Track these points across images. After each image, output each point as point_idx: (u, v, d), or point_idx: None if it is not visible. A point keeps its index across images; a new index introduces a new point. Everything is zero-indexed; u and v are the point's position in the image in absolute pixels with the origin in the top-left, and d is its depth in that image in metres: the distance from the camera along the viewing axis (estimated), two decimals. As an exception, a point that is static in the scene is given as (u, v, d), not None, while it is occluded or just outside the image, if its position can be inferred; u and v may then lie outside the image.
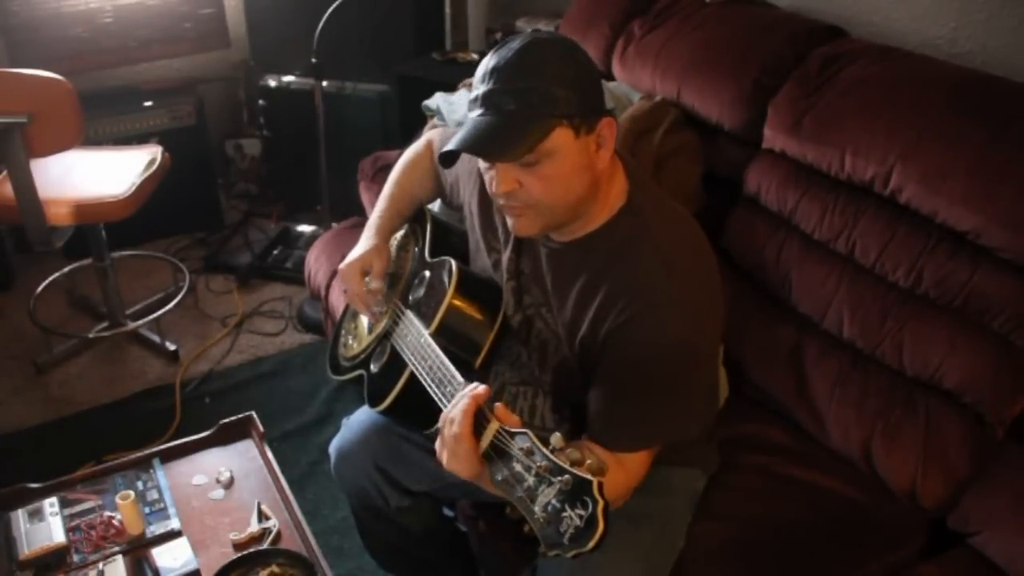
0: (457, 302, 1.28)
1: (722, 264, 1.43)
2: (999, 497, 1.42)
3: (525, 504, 0.88)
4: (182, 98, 3.06)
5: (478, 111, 1.08)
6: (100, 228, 2.47)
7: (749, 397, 1.73)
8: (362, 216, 2.31)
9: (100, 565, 1.37)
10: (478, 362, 1.26)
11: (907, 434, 1.49)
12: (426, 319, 1.29)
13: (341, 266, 1.43)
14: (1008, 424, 1.44)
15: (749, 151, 1.87)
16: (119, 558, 1.39)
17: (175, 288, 2.82)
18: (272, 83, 3.14)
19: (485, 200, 1.31)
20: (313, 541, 1.43)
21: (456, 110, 2.23)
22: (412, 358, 1.25)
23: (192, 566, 1.37)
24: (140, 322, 2.63)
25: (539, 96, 1.05)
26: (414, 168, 1.54)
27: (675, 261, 1.13)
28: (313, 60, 2.52)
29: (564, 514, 0.84)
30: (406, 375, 1.27)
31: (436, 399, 1.15)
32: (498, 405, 1.00)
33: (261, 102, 3.19)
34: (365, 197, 2.41)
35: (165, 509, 1.48)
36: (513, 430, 0.94)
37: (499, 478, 0.93)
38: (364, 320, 1.50)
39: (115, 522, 1.45)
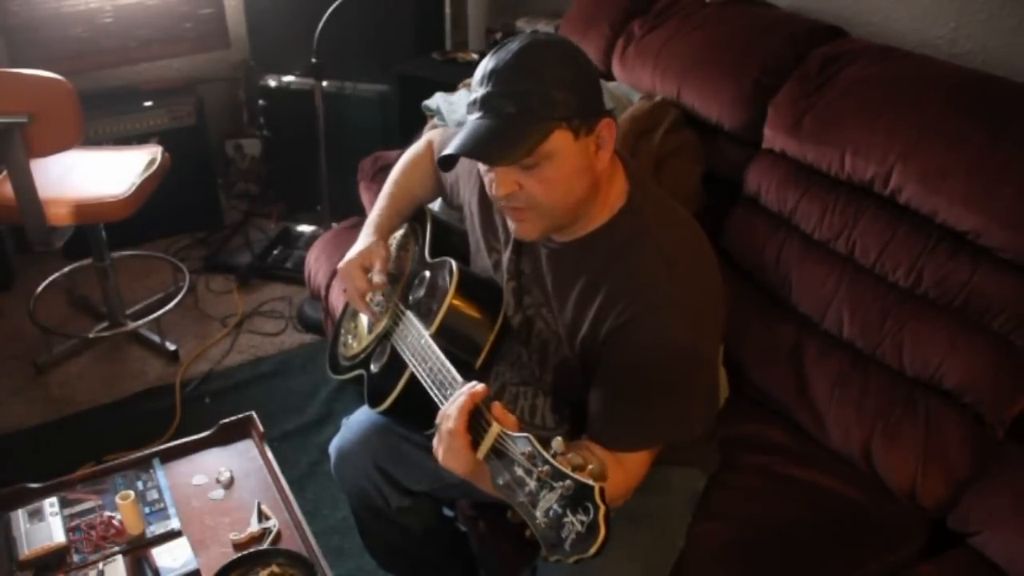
0: (458, 303, 1.28)
1: (722, 264, 1.43)
2: (999, 497, 1.42)
3: (527, 509, 0.88)
4: (182, 98, 3.06)
5: (477, 114, 1.08)
6: (100, 228, 2.47)
7: (749, 397, 1.73)
8: (362, 216, 2.29)
9: (100, 565, 1.37)
10: (478, 363, 1.26)
11: (907, 434, 1.49)
12: (426, 320, 1.29)
13: (340, 264, 1.43)
14: (1008, 424, 1.45)
15: (749, 151, 1.87)
16: (119, 558, 1.39)
17: (175, 288, 2.82)
18: (272, 83, 3.14)
19: (485, 200, 1.31)
20: (313, 541, 1.43)
21: (456, 110, 2.23)
22: (412, 359, 1.25)
23: (192, 566, 1.37)
24: (140, 322, 2.63)
25: (538, 99, 1.04)
26: (414, 168, 1.54)
27: (676, 261, 1.13)
28: (313, 60, 2.52)
29: (566, 519, 0.84)
30: (406, 376, 1.26)
31: (436, 400, 1.15)
32: (495, 404, 1.00)
33: (261, 102, 3.19)
34: (365, 197, 2.41)
35: (165, 509, 1.48)
36: (515, 434, 0.94)
37: (501, 482, 0.93)
38: (364, 319, 1.50)
39: (115, 522, 1.45)
